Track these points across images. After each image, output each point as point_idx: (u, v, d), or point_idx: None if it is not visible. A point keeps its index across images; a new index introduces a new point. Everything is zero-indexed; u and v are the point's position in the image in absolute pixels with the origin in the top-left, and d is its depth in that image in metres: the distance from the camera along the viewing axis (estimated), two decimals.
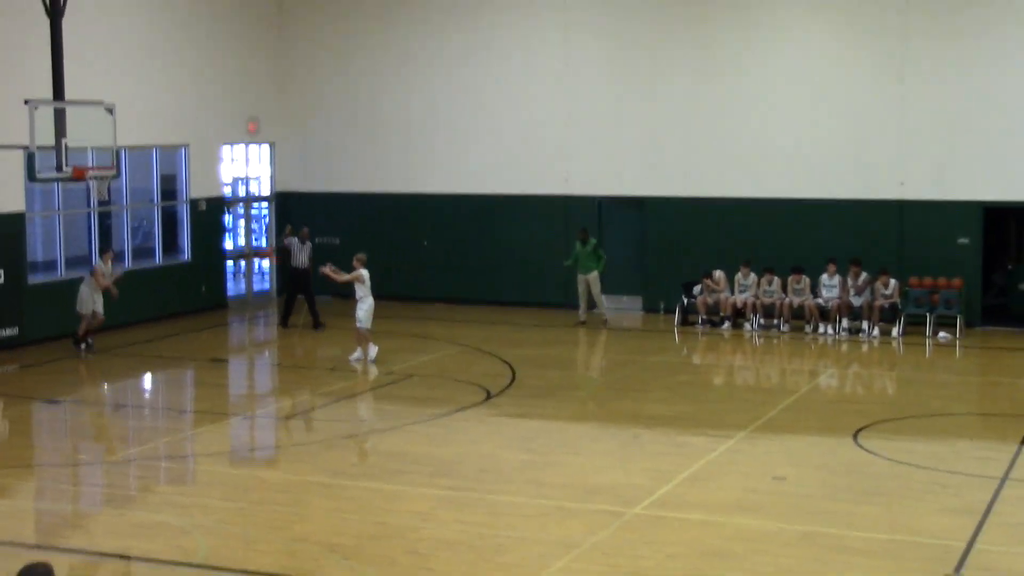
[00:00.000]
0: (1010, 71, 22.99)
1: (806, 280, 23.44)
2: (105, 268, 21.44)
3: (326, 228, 27.76)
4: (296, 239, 23.85)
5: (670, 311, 24.71)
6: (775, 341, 22.81)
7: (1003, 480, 13.24)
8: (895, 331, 22.77)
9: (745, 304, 23.66)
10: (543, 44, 26.06)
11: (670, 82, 25.15)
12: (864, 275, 23.10)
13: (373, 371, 19.73)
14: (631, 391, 18.70)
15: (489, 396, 17.83)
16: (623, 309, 25.27)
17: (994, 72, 23.07)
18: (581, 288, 24.25)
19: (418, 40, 27.02)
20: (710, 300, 23.90)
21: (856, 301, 23.08)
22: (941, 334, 22.64)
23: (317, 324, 23.50)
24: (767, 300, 23.62)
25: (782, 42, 24.48)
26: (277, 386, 20.09)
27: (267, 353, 23.53)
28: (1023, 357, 21.44)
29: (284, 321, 23.78)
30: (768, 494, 12.88)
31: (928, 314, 22.86)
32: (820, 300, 23.25)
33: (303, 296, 23.71)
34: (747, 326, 23.55)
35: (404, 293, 26.82)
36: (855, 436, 15.23)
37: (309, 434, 15.91)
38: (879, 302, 22.86)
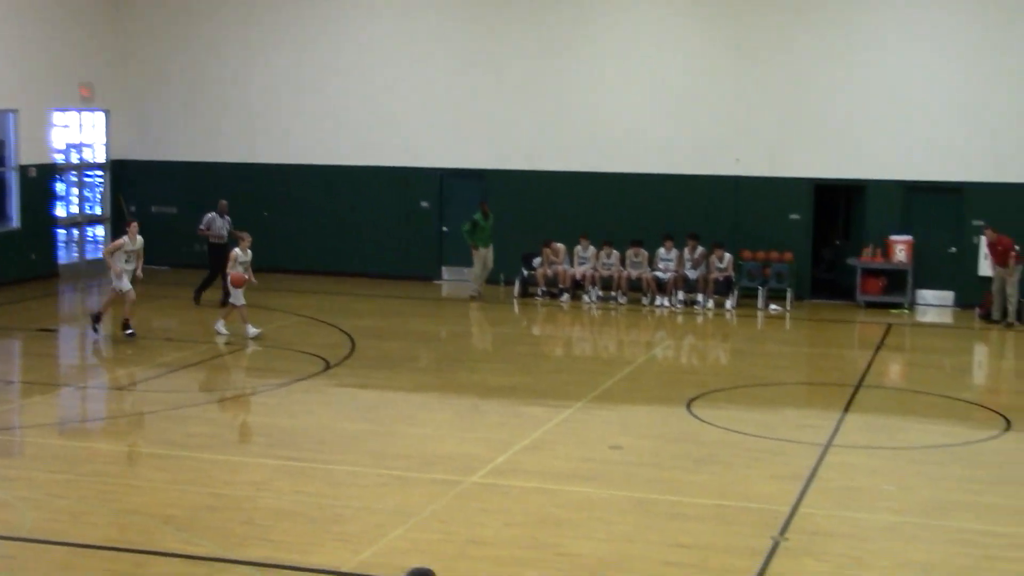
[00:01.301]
0: (842, 53, 23.68)
1: (644, 253, 23.84)
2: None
3: (163, 197, 27.26)
4: (215, 213, 22.65)
5: (510, 282, 24.89)
6: (613, 313, 23.17)
7: (826, 446, 13.70)
8: (729, 303, 23.33)
9: (584, 276, 23.96)
10: (387, 17, 25.89)
11: (512, 57, 25.27)
12: (700, 249, 23.60)
13: (214, 342, 19.39)
14: (470, 362, 18.80)
15: (328, 366, 17.72)
16: (463, 280, 25.33)
17: (826, 54, 23.73)
18: (479, 262, 24.11)
19: (261, 10, 26.61)
20: (549, 272, 24.13)
21: (692, 274, 23.57)
22: (772, 306, 23.28)
23: (226, 301, 21.58)
24: (605, 272, 23.96)
25: (621, 19, 24.75)
26: (110, 356, 19.61)
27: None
28: (849, 329, 22.21)
29: (198, 297, 22.41)
30: (604, 463, 13.08)
31: (760, 287, 23.49)
32: (657, 273, 23.67)
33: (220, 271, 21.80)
34: (585, 298, 23.86)
35: None
36: (689, 405, 15.57)
37: (143, 405, 15.58)
38: (714, 275, 23.39)
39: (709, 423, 14.73)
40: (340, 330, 20.42)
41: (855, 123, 23.65)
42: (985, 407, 15.83)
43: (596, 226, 24.40)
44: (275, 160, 26.78)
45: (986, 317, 22.26)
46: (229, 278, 19.61)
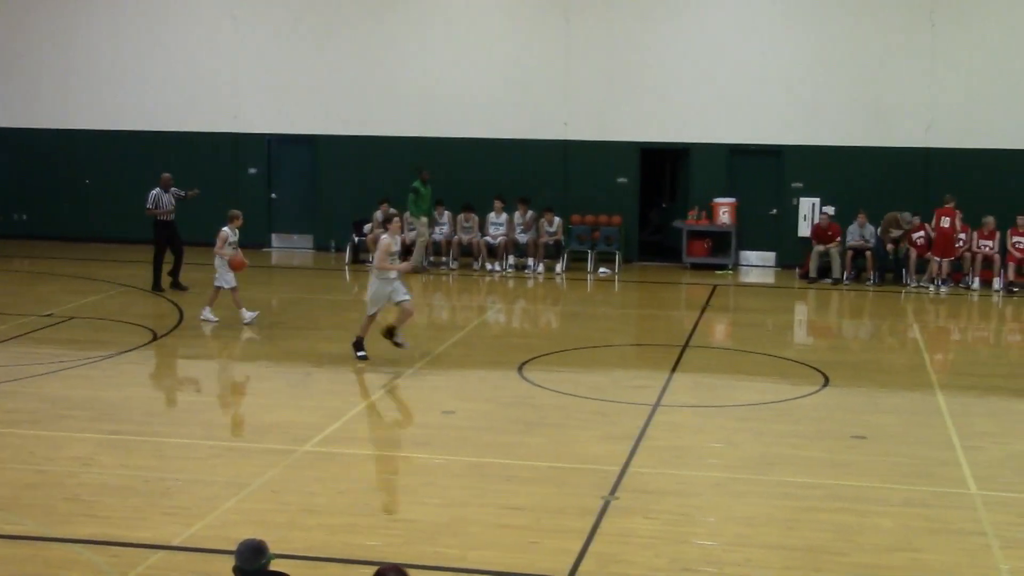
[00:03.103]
0: (665, 19, 24.06)
1: (475, 218, 23.93)
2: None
3: None
4: (159, 189, 20.99)
5: (341, 249, 24.73)
6: (444, 278, 23.21)
7: (655, 407, 13.99)
8: (559, 267, 23.61)
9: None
10: None
11: (339, 20, 25.02)
12: (530, 213, 23.79)
13: (35, 314, 18.78)
14: (302, 329, 18.62)
15: (156, 337, 17.37)
16: (294, 247, 25.06)
17: (650, 19, 24.08)
18: (424, 232, 23.27)
19: None
20: None
21: (522, 238, 23.75)
22: (601, 269, 23.63)
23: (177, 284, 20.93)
24: (437, 237, 23.95)
25: None
26: None
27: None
28: (675, 290, 22.69)
29: (157, 284, 20.80)
30: (437, 428, 13.13)
31: (589, 250, 23.80)
32: (488, 237, 23.78)
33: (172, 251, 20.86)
34: None
35: (65, 233, 25.70)
36: (520, 369, 15.72)
37: None
38: (544, 239, 23.62)
39: (541, 386, 14.89)
40: (167, 300, 20.01)
41: (679, 88, 24.08)
42: (805, 364, 16.36)
43: None
44: (96, 126, 26.00)
45: (805, 276, 22.98)
46: (228, 262, 18.21)
